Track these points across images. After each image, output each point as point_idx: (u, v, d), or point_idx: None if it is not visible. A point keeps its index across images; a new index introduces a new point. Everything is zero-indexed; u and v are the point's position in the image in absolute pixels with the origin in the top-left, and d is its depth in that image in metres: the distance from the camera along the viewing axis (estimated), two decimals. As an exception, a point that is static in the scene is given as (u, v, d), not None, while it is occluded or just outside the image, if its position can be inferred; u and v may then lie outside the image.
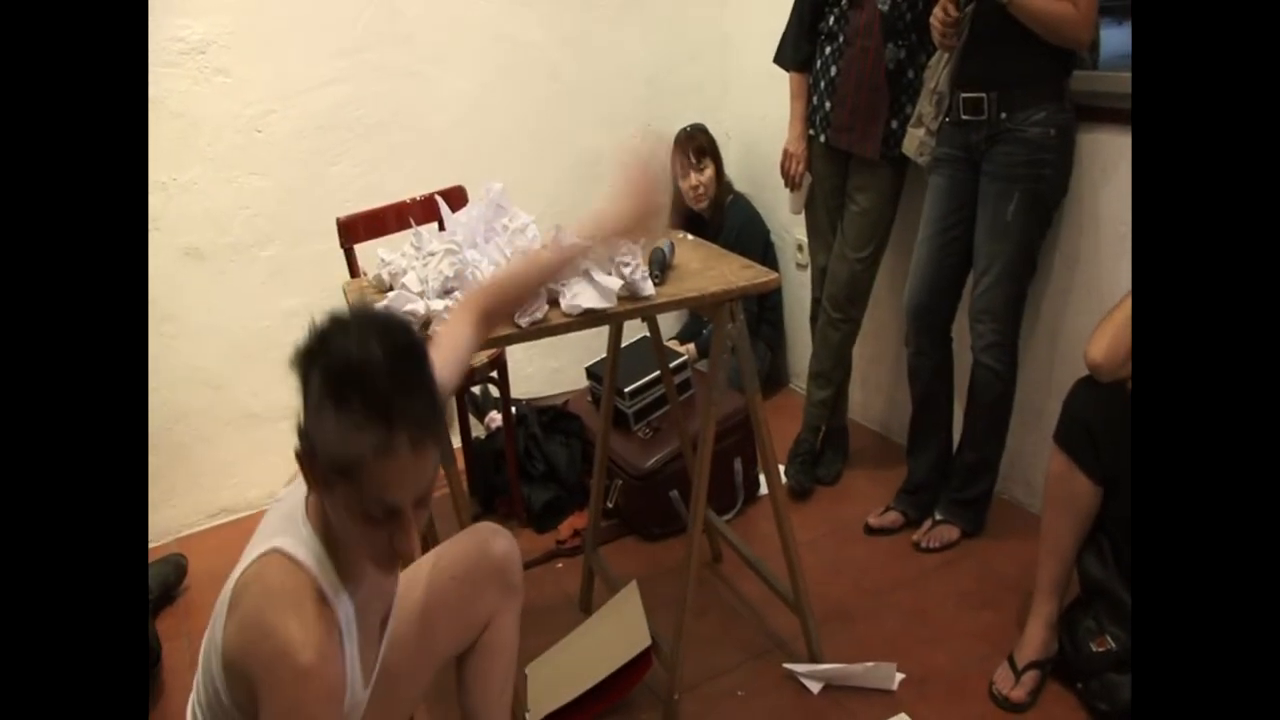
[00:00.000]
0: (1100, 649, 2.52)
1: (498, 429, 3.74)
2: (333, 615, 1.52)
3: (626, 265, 2.21)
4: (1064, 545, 2.57)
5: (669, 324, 4.51)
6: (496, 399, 3.68)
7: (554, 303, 2.21)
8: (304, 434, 1.43)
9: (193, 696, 1.65)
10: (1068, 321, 3.15)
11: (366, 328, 1.41)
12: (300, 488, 1.58)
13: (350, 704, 1.58)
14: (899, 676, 2.70)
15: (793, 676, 2.74)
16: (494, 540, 2.02)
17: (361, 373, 1.36)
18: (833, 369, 3.59)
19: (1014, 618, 2.87)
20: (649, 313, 2.38)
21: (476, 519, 2.14)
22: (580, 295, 2.16)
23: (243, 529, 3.63)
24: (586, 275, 2.17)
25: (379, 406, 1.36)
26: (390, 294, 2.10)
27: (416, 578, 1.95)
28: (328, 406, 1.37)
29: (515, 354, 3.75)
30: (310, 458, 1.44)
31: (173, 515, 3.68)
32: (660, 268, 2.33)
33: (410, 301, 2.07)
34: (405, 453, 1.38)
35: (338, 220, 3.18)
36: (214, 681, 1.54)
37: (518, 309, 2.03)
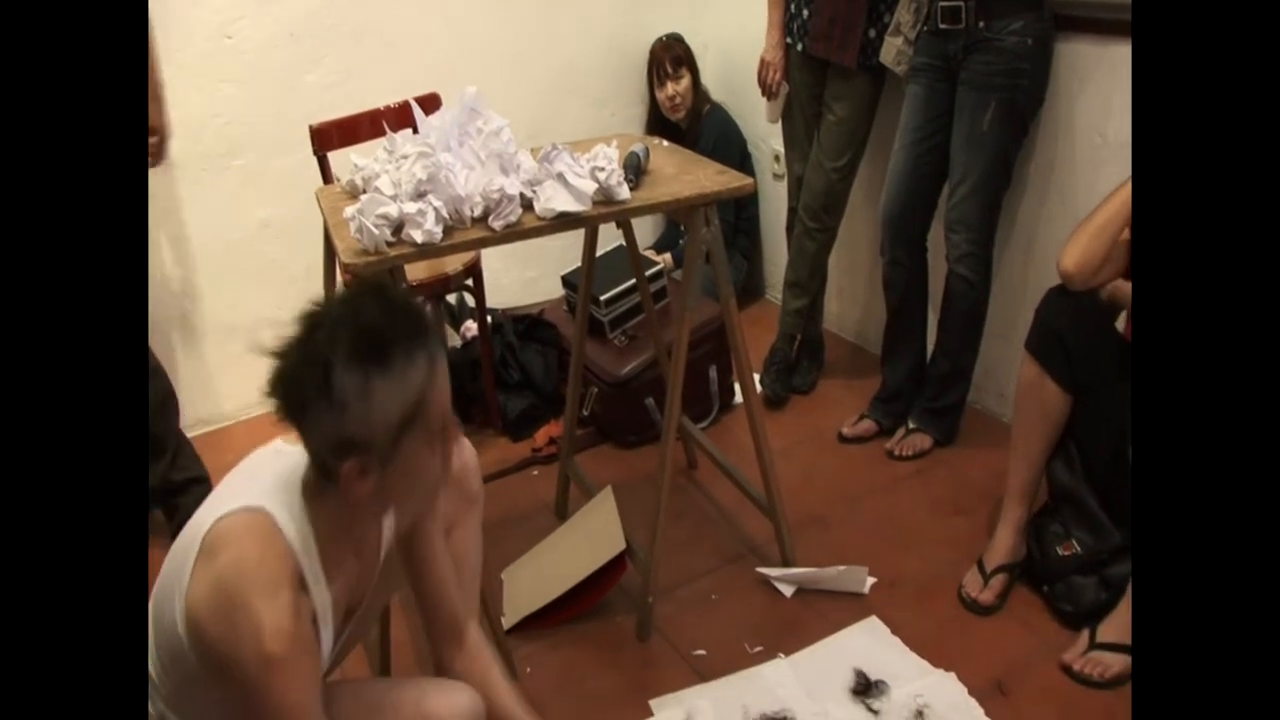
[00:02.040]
0: (1066, 553, 2.56)
1: (473, 338, 3.74)
2: (309, 605, 1.50)
3: (601, 170, 2.20)
4: (1033, 452, 2.60)
5: (645, 234, 4.50)
6: (472, 308, 3.67)
7: (528, 206, 2.20)
8: (349, 442, 1.41)
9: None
10: (1042, 232, 3.16)
11: (349, 306, 1.43)
12: (301, 458, 1.53)
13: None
14: (870, 580, 2.74)
15: (766, 580, 2.78)
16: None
17: (380, 330, 1.40)
18: (808, 278, 3.59)
19: (984, 524, 2.91)
20: (623, 216, 2.37)
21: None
22: (554, 199, 2.16)
23: (220, 440, 3.68)
24: (561, 178, 2.17)
25: (412, 337, 1.41)
26: (363, 197, 2.09)
27: None
28: (375, 378, 1.38)
29: (491, 264, 3.74)
30: (364, 457, 1.42)
31: (149, 425, 3.68)
32: (635, 172, 2.32)
33: (383, 205, 2.05)
34: (441, 359, 1.46)
35: (310, 128, 3.15)
36: (172, 618, 1.50)
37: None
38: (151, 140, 2.86)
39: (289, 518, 1.49)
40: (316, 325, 1.40)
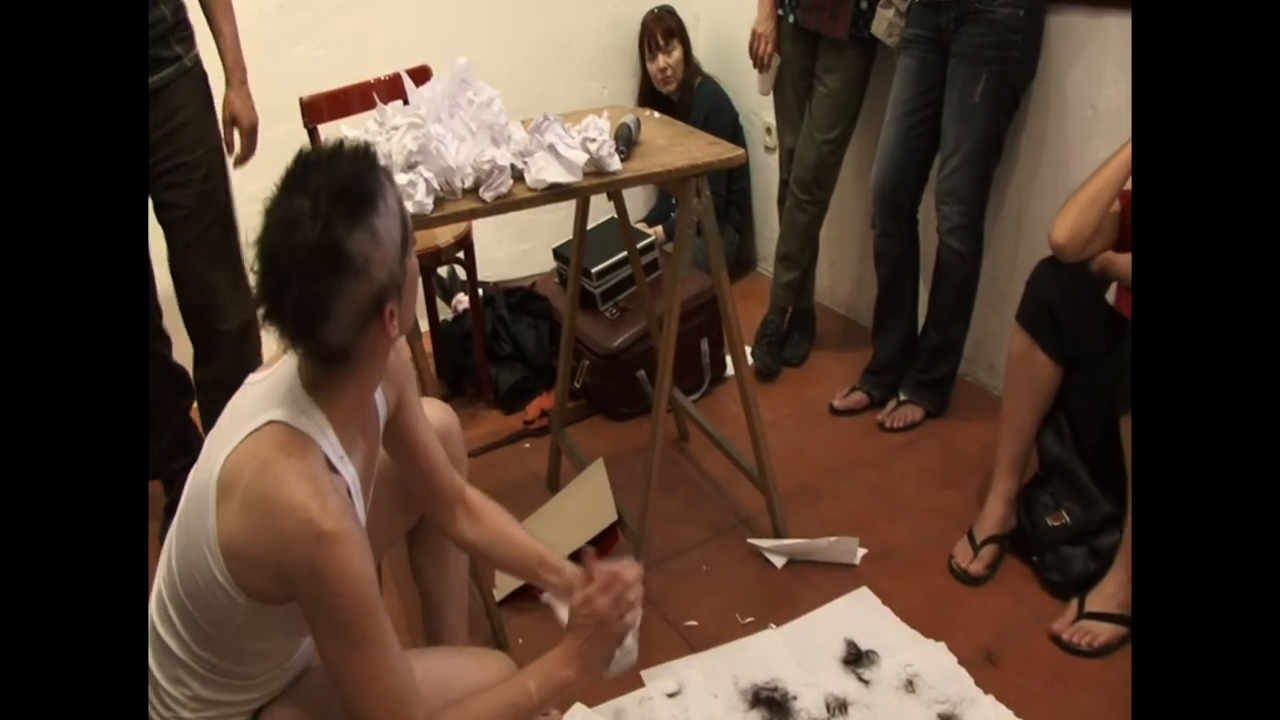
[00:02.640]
0: (1056, 524, 2.58)
1: (465, 311, 3.74)
2: (342, 482, 1.51)
3: (593, 141, 2.20)
4: (1024, 423, 2.61)
5: (636, 207, 4.49)
6: (464, 281, 3.67)
7: (519, 178, 2.20)
8: (380, 292, 1.41)
9: (154, 601, 1.60)
10: (1033, 204, 3.16)
11: (306, 204, 1.37)
12: (282, 369, 1.53)
13: None
14: (861, 551, 2.75)
15: (757, 552, 2.79)
16: (432, 412, 1.99)
17: (349, 184, 1.39)
18: (799, 251, 3.59)
19: (974, 495, 2.92)
20: (614, 188, 2.37)
21: (444, 400, 2.14)
22: (545, 170, 2.15)
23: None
24: (551, 149, 2.16)
25: (371, 167, 1.43)
26: (354, 168, 2.08)
27: None
28: (374, 220, 1.39)
29: (482, 237, 3.73)
30: (393, 293, 1.43)
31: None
32: (626, 143, 2.31)
33: (374, 176, 2.05)
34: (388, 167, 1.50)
35: (301, 100, 3.13)
36: (207, 573, 1.47)
37: (482, 545, 1.98)
38: (236, 129, 2.74)
39: (298, 413, 1.48)
40: (291, 225, 1.36)
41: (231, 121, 2.72)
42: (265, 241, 1.38)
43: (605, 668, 1.72)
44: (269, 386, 1.52)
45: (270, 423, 1.46)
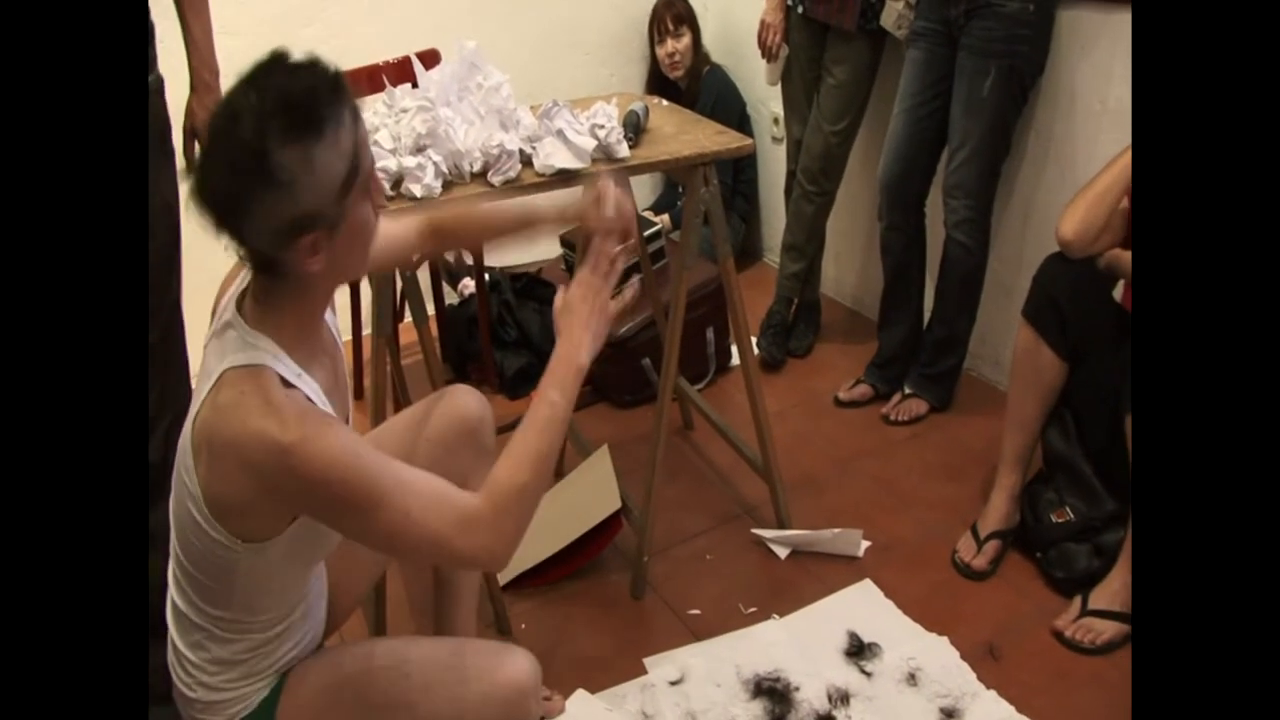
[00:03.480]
0: (1060, 520, 2.58)
1: (471, 295, 3.73)
2: (299, 394, 1.49)
3: (601, 127, 2.19)
4: (1029, 419, 2.61)
5: (643, 195, 4.49)
6: (470, 266, 3.67)
7: (527, 163, 2.19)
8: (303, 218, 1.39)
9: (170, 575, 1.62)
10: (1040, 199, 3.15)
11: (255, 98, 1.36)
12: (224, 317, 1.52)
13: None
14: (865, 543, 2.75)
15: (760, 542, 2.79)
16: (468, 402, 2.02)
17: (302, 99, 1.36)
18: (806, 242, 3.59)
19: (978, 490, 2.92)
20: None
21: (449, 384, 2.14)
22: (554, 155, 2.15)
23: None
24: (560, 135, 2.16)
25: (333, 95, 1.38)
26: (363, 151, 2.08)
27: (390, 438, 1.95)
28: (312, 145, 1.36)
29: (489, 222, 3.74)
30: (320, 227, 1.41)
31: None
32: (634, 130, 2.31)
33: (382, 158, 2.04)
34: (357, 108, 1.43)
35: (310, 82, 3.13)
36: (203, 535, 1.48)
37: (470, 240, 2.00)
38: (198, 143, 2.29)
39: (246, 348, 1.47)
40: (234, 116, 1.35)
41: (192, 133, 2.30)
42: (211, 125, 1.39)
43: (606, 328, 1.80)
44: (217, 343, 1.51)
45: (224, 372, 1.46)
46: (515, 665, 1.68)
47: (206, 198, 1.37)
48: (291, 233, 1.39)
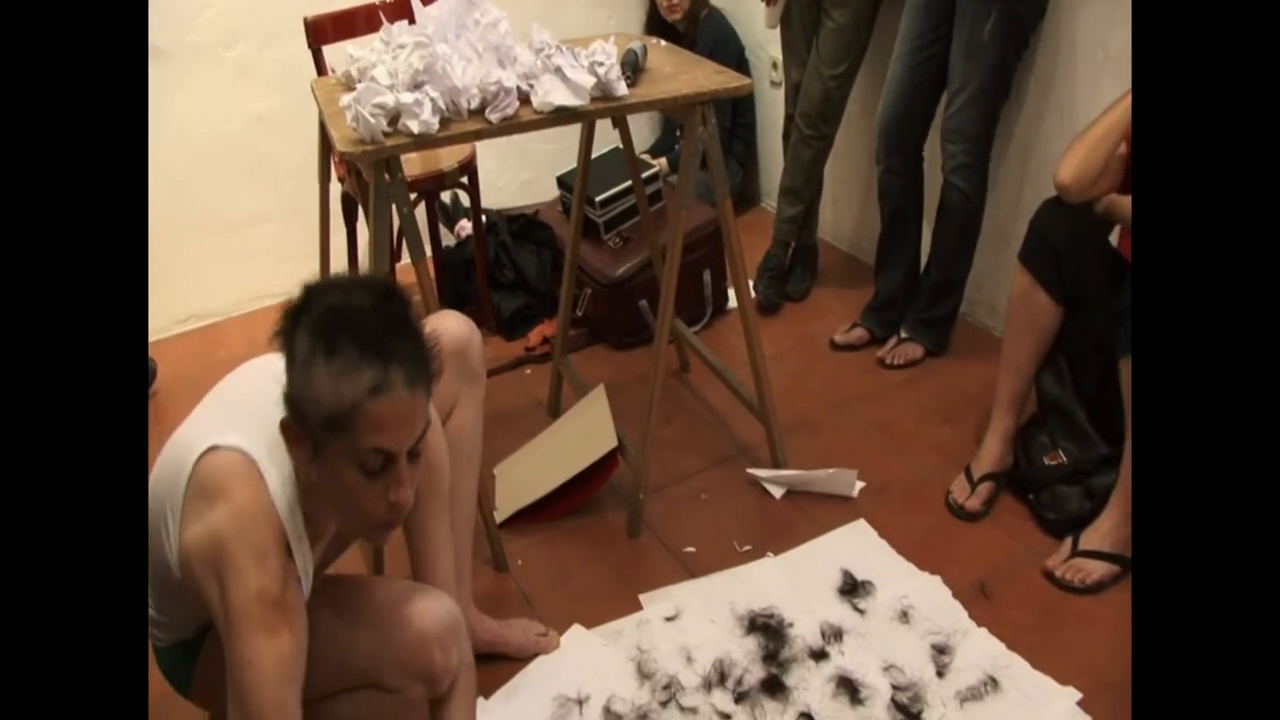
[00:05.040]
0: (1052, 463, 2.59)
1: (468, 237, 3.73)
2: (294, 569, 1.52)
3: (600, 64, 2.18)
4: (1023, 362, 2.61)
5: (641, 139, 4.47)
6: (467, 207, 3.67)
7: (525, 100, 2.19)
8: (291, 399, 1.42)
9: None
10: (1039, 146, 3.14)
11: (350, 284, 1.44)
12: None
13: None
14: (859, 484, 2.76)
15: (756, 482, 2.81)
16: (452, 324, 2.02)
17: (351, 318, 1.39)
18: (804, 186, 3.58)
19: (972, 433, 2.94)
20: (620, 113, 2.35)
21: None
22: (552, 92, 2.14)
23: (212, 335, 3.69)
24: (559, 73, 2.15)
25: (372, 345, 1.38)
26: (360, 86, 2.07)
27: None
28: (318, 358, 1.38)
29: (486, 165, 3.73)
30: (299, 424, 1.43)
31: (142, 320, 3.66)
32: (633, 70, 2.30)
33: (380, 94, 2.03)
34: (400, 392, 1.40)
35: (305, 20, 3.12)
36: (160, 536, 1.55)
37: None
38: None
39: (276, 474, 1.51)
40: (320, 285, 1.44)
41: None
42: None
43: None
44: (276, 402, 1.49)
45: (253, 460, 1.50)
46: (428, 612, 1.71)
47: (285, 309, 1.44)
48: (286, 399, 1.43)
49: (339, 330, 1.38)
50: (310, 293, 1.43)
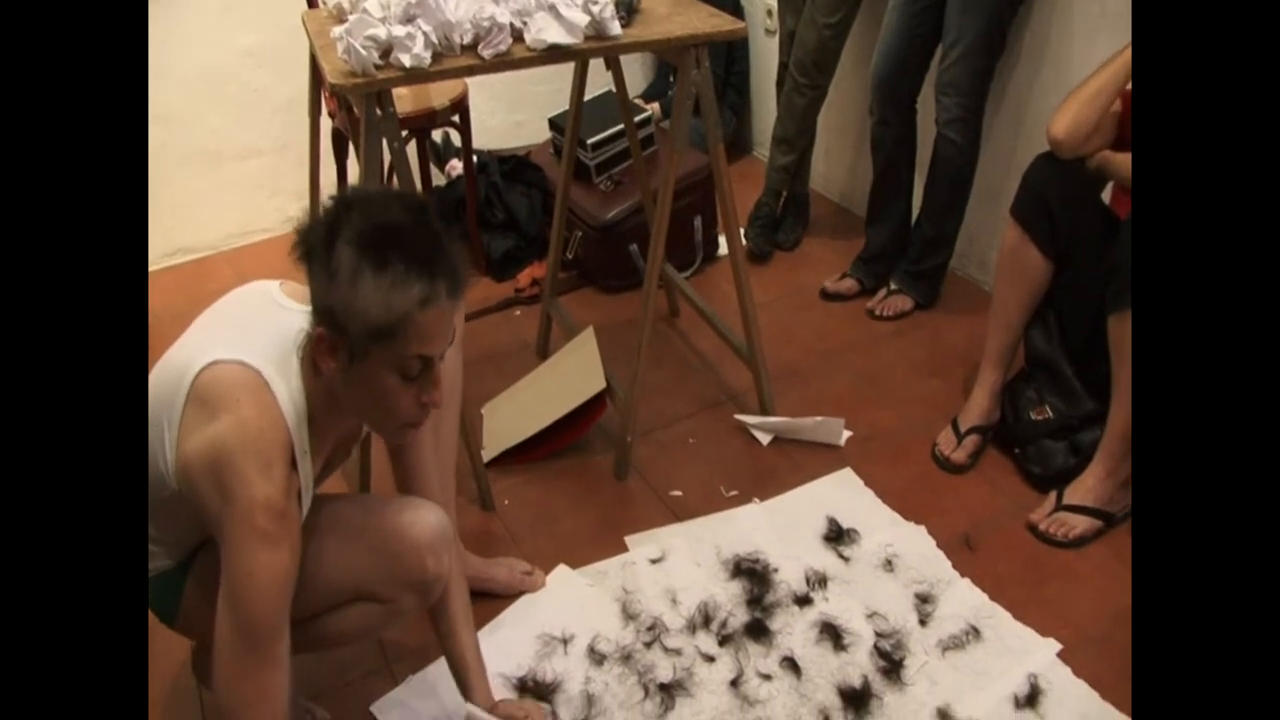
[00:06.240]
0: (1039, 417, 2.59)
1: (458, 177, 3.72)
2: (296, 482, 1.54)
3: (595, 3, 2.16)
4: (1012, 317, 2.61)
5: (635, 83, 4.44)
6: (458, 147, 3.64)
7: (518, 38, 2.16)
8: (329, 311, 1.44)
9: None
10: (1034, 102, 3.13)
11: (385, 197, 1.48)
12: (301, 321, 1.55)
13: None
14: (846, 433, 2.77)
15: (743, 427, 2.82)
16: (422, 521, 1.92)
17: (398, 233, 1.43)
18: (796, 135, 3.56)
19: (960, 386, 2.94)
20: (613, 53, 2.34)
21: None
22: (546, 30, 2.12)
23: (202, 269, 3.67)
24: (552, 10, 2.13)
25: (421, 259, 1.43)
26: (351, 18, 2.05)
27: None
28: (365, 272, 1.40)
29: (478, 104, 3.70)
30: (338, 336, 1.45)
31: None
32: (627, 10, 2.27)
33: (372, 26, 2.01)
34: (445, 303, 1.46)
35: (300, -47, 3.08)
36: (160, 451, 1.55)
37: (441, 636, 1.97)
38: None
39: (285, 388, 1.53)
40: (353, 199, 1.45)
41: None
42: (349, 188, 1.55)
43: None
44: (281, 329, 1.56)
45: (260, 374, 1.51)
46: (419, 521, 1.73)
47: (299, 228, 1.47)
48: (320, 314, 1.46)
49: (387, 245, 1.41)
50: (344, 205, 1.45)
